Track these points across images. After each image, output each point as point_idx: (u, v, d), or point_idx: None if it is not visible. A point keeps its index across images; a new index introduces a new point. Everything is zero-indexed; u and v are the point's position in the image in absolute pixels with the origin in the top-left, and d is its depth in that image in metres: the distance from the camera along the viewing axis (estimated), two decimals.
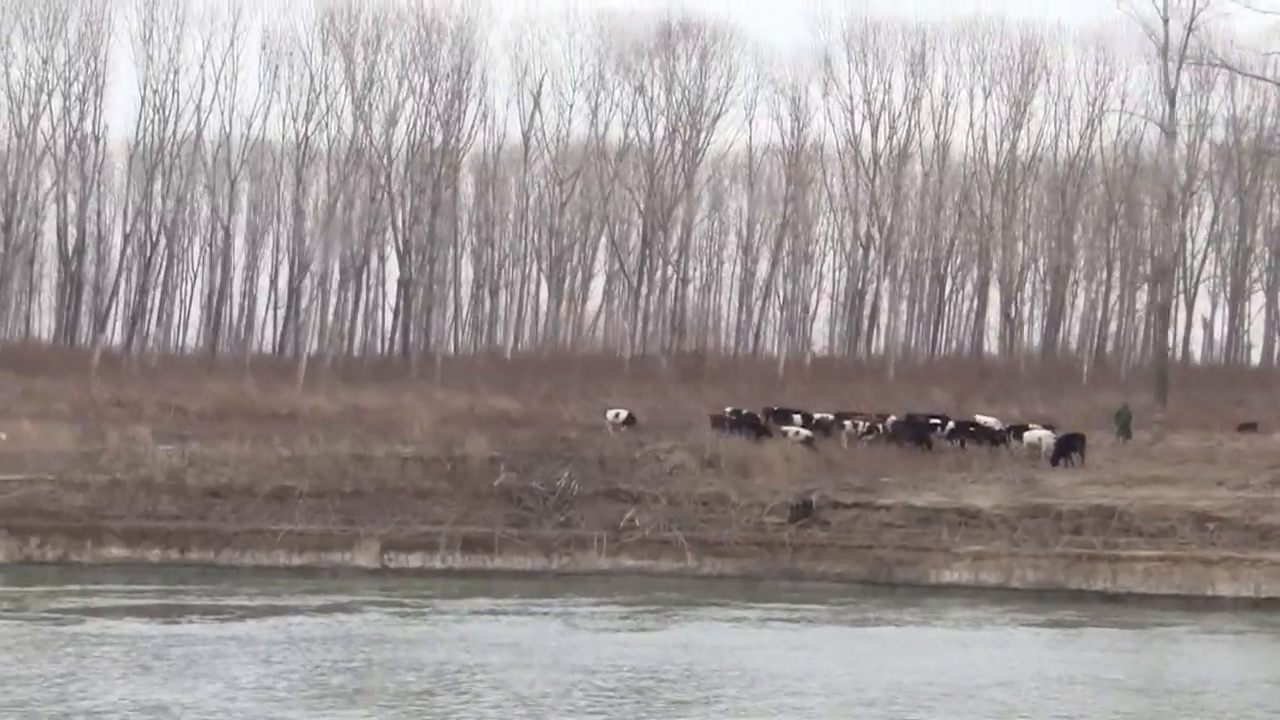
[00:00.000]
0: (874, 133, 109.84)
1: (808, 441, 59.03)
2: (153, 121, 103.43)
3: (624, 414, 65.63)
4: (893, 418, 63.83)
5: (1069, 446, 57.68)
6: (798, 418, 64.50)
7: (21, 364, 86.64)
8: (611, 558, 51.81)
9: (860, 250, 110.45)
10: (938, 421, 62.91)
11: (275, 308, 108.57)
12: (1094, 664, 38.22)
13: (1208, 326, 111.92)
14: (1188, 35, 67.02)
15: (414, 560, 52.00)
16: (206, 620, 42.02)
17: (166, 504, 53.70)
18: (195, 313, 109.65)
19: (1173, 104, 71.91)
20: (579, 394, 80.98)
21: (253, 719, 30.18)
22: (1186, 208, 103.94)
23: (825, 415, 65.08)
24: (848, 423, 62.94)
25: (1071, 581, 49.14)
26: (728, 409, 65.90)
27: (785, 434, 60.15)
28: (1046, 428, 61.11)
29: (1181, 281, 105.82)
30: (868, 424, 62.28)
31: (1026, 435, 60.03)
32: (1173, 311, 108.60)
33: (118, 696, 31.29)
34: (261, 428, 62.67)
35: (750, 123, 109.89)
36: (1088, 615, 45.75)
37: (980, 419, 64.34)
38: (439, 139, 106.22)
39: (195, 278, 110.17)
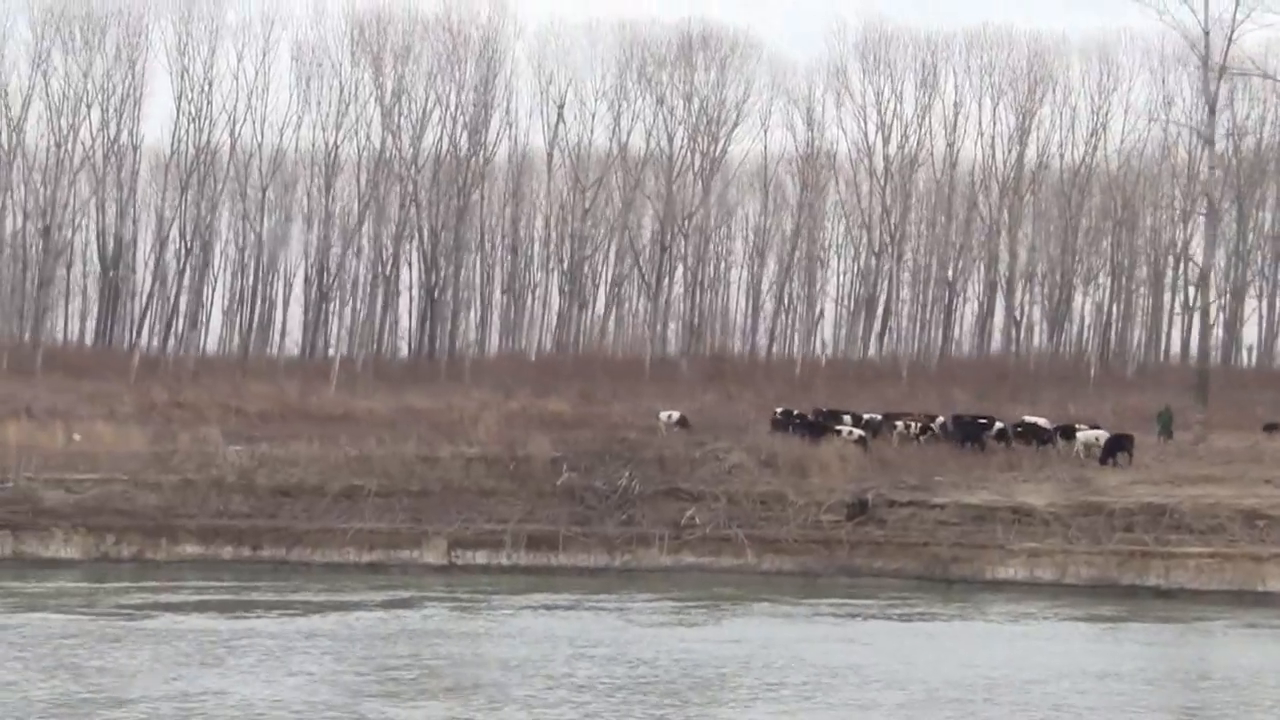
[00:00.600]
0: (885, 141, 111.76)
1: (861, 441, 59.55)
2: (187, 131, 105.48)
3: (677, 415, 66.72)
4: (940, 418, 64.62)
5: (1118, 446, 58.54)
6: (848, 418, 65.15)
7: (67, 367, 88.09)
8: (673, 555, 51.92)
9: (871, 255, 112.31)
10: (985, 422, 63.68)
11: (306, 312, 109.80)
12: (1139, 658, 38.81)
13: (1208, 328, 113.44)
14: (1228, 46, 69.04)
15: (480, 557, 51.95)
16: (274, 615, 42.24)
17: (238, 503, 53.75)
18: (221, 317, 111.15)
19: (1213, 112, 73.79)
20: (610, 396, 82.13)
21: (337, 712, 30.47)
22: (1189, 214, 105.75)
23: (874, 416, 65.86)
24: (899, 423, 63.72)
25: (1125, 578, 49.39)
26: (778, 410, 66.84)
27: (839, 434, 60.68)
28: (1093, 428, 62.00)
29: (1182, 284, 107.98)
30: (920, 424, 63.17)
31: (1081, 435, 60.56)
32: (1172, 314, 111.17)
33: (200, 689, 31.61)
34: (323, 429, 63.39)
35: (765, 131, 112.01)
36: (1131, 610, 46.08)
37: (1029, 419, 64.92)
38: (464, 148, 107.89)
39: (226, 283, 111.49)
